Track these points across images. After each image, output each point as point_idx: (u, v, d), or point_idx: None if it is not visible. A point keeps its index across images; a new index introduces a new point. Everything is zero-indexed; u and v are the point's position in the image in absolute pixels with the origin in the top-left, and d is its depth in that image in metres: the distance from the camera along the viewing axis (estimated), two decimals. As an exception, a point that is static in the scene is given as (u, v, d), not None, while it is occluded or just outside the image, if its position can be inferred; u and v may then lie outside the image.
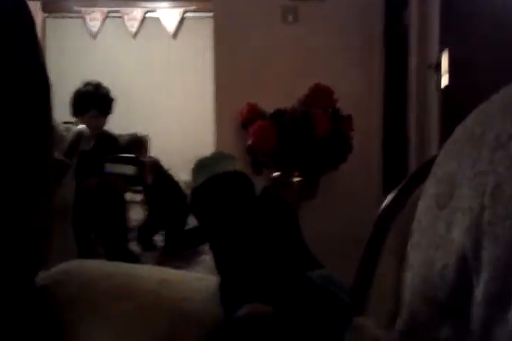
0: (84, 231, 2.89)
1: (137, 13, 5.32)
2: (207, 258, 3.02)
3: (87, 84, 3.26)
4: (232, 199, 0.72)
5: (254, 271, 0.64)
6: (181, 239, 3.41)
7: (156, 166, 3.49)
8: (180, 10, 5.29)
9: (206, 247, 3.33)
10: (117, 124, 3.66)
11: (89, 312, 0.62)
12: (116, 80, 4.69)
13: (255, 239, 0.68)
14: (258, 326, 0.56)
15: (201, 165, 0.77)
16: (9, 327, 0.59)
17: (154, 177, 3.26)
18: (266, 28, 2.77)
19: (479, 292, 0.47)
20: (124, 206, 3.13)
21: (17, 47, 0.63)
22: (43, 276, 0.65)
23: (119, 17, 5.32)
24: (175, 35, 5.35)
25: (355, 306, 0.68)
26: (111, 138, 3.35)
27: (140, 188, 3.54)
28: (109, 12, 5.32)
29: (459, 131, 0.64)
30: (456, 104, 1.93)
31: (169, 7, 5.34)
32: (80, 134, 2.45)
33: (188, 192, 0.80)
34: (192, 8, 5.26)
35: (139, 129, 4.65)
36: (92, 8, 5.29)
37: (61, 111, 3.17)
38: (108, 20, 5.34)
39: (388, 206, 0.81)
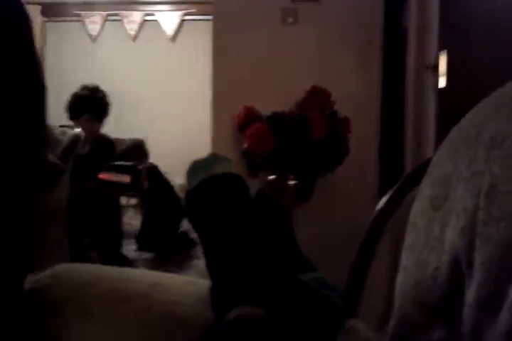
0: (78, 236, 2.88)
1: (136, 16, 5.33)
2: (199, 262, 3.02)
3: (84, 87, 3.27)
4: (226, 202, 0.71)
5: (246, 273, 0.63)
6: (174, 243, 3.41)
7: (155, 172, 3.50)
8: (180, 13, 5.30)
9: (198, 252, 3.34)
10: (115, 127, 3.67)
11: (80, 315, 0.61)
12: (115, 83, 4.70)
13: (248, 241, 0.67)
14: (250, 328, 0.55)
15: (196, 167, 0.77)
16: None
17: (149, 185, 3.25)
18: (265, 30, 2.78)
19: (471, 294, 0.47)
20: (119, 211, 3.13)
21: (12, 49, 0.62)
22: (32, 279, 0.65)
23: (119, 20, 5.33)
24: (174, 38, 5.36)
25: (347, 309, 0.67)
26: (107, 142, 3.35)
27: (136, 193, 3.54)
28: (108, 15, 5.33)
29: (454, 132, 0.63)
30: (453, 106, 1.93)
31: (168, 10, 5.35)
32: (75, 138, 2.45)
33: (182, 196, 0.80)
34: (191, 10, 5.27)
35: (137, 132, 4.65)
36: (91, 12, 5.30)
37: (60, 114, 3.18)
38: (107, 24, 5.35)
39: (383, 208, 0.80)
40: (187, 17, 5.31)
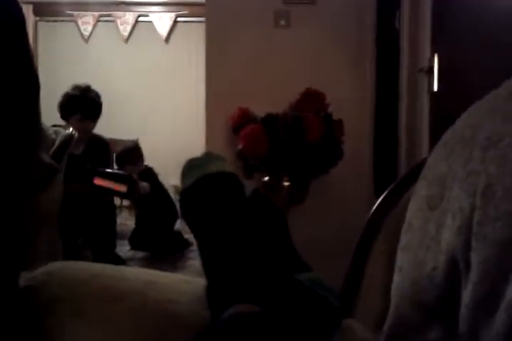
0: (71, 236, 2.87)
1: (129, 17, 5.32)
2: (194, 263, 3.02)
3: (76, 87, 3.25)
4: (221, 200, 0.71)
5: (242, 272, 0.63)
6: (167, 243, 3.41)
7: (150, 174, 3.50)
8: (173, 14, 5.30)
9: (193, 252, 3.34)
10: (107, 127, 3.65)
11: (74, 314, 0.60)
12: (107, 84, 4.69)
13: (244, 240, 0.67)
14: (247, 325, 0.55)
15: (190, 166, 0.77)
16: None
17: (150, 188, 3.27)
18: (258, 32, 2.78)
19: (467, 294, 0.47)
20: (114, 211, 3.13)
21: (5, 45, 0.62)
22: (26, 277, 0.64)
23: (112, 21, 5.31)
24: (167, 39, 5.35)
25: (344, 309, 0.67)
26: (102, 143, 3.34)
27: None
28: (101, 16, 5.31)
29: (449, 134, 0.63)
30: (446, 108, 1.94)
31: (161, 11, 5.34)
32: (69, 138, 2.43)
33: (176, 197, 0.79)
34: (184, 12, 5.26)
35: (129, 133, 4.63)
36: (84, 12, 5.28)
37: (52, 114, 3.17)
38: (100, 24, 5.33)
39: (378, 208, 0.80)
40: (180, 19, 5.31)
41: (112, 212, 3.11)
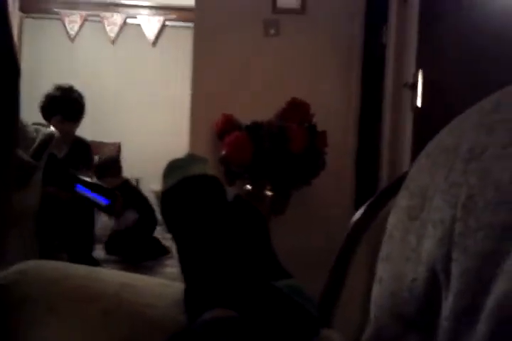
0: (48, 237, 2.82)
1: (117, 18, 5.29)
2: (172, 270, 2.99)
3: (58, 88, 3.19)
4: (202, 203, 0.70)
5: (220, 277, 0.62)
6: (143, 248, 3.39)
7: (127, 186, 3.48)
8: (161, 18, 5.29)
9: (171, 259, 3.31)
10: (92, 130, 3.61)
11: (45, 313, 0.59)
12: (92, 85, 4.64)
13: (223, 244, 0.66)
14: (223, 329, 0.54)
15: (172, 168, 0.76)
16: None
17: (124, 203, 3.23)
18: (246, 40, 2.78)
19: (447, 305, 0.46)
20: (93, 217, 3.08)
21: None
22: (-2, 276, 0.62)
23: (99, 21, 5.28)
24: (154, 42, 5.33)
25: (322, 319, 0.67)
26: (84, 146, 3.31)
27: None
28: (88, 16, 5.27)
29: (432, 145, 0.64)
30: (429, 123, 1.96)
31: (149, 14, 5.33)
32: (49, 136, 2.39)
33: (156, 204, 0.78)
34: (172, 16, 5.26)
35: (113, 135, 4.60)
36: (71, 11, 5.23)
37: (34, 114, 3.12)
38: (87, 24, 5.29)
39: (359, 220, 0.80)
40: (168, 23, 5.30)
41: (91, 219, 3.06)
